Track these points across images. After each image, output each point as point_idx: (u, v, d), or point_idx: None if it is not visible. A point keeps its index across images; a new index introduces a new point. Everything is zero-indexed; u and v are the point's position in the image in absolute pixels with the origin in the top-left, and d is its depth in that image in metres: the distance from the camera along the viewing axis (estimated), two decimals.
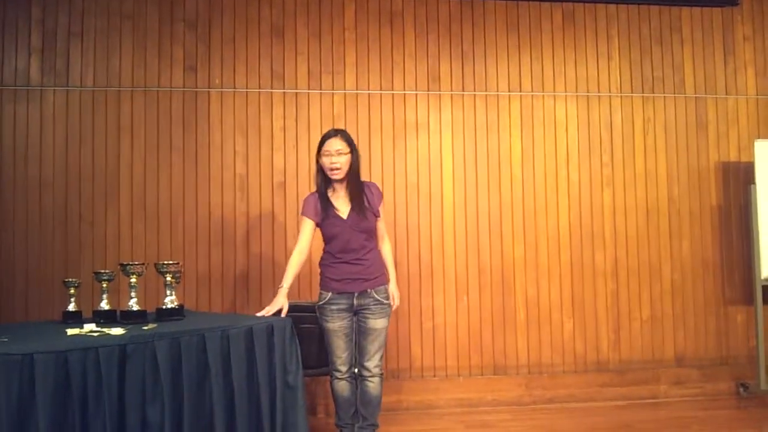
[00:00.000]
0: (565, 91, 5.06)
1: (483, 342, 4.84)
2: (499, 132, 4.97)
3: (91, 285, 3.92)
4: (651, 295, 5.02)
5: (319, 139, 4.73)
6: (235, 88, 4.78)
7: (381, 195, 3.64)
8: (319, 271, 3.62)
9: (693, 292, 5.05)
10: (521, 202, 4.95)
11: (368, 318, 3.49)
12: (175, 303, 3.35)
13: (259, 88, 4.80)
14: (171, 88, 4.72)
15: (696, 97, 5.17)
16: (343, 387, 3.54)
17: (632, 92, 5.12)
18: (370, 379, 3.52)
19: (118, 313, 3.34)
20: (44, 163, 4.58)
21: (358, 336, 3.54)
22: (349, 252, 3.47)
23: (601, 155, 5.05)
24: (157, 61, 4.72)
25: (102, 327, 3.01)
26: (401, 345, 4.77)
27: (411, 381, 4.75)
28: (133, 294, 3.26)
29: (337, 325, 3.48)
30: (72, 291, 3.46)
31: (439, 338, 4.81)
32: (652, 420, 4.40)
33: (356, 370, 3.57)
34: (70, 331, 2.90)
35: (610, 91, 5.10)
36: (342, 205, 3.51)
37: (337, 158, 3.45)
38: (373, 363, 3.51)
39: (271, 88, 4.81)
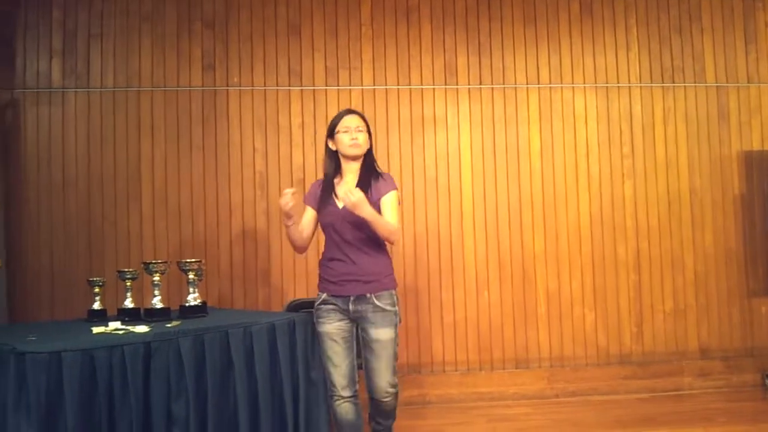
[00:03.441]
0: (584, 83, 5.03)
1: (504, 336, 4.83)
2: (518, 125, 4.95)
3: (115, 283, 3.97)
4: (674, 287, 4.97)
5: None
6: (253, 86, 4.81)
7: (392, 185, 3.12)
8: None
9: (716, 283, 5.00)
10: (541, 195, 4.92)
11: (369, 329, 3.02)
12: (198, 300, 3.38)
13: (277, 86, 4.82)
14: (190, 87, 4.76)
15: (717, 86, 5.11)
16: (346, 410, 3.06)
17: (652, 82, 5.07)
18: (382, 399, 3.06)
19: (142, 311, 3.38)
20: (67, 164, 4.64)
21: (363, 351, 3.07)
22: (343, 247, 3.06)
23: (621, 146, 5.01)
24: (176, 61, 4.76)
25: (127, 325, 3.05)
26: (422, 339, 4.78)
27: (433, 375, 4.75)
28: (156, 292, 3.30)
29: (333, 326, 3.06)
30: (97, 290, 3.51)
31: (460, 332, 4.81)
32: (676, 412, 4.37)
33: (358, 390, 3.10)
34: (96, 330, 2.95)
35: (629, 82, 5.06)
36: (345, 192, 3.04)
37: (357, 133, 3.10)
38: (384, 382, 3.02)
39: (289, 86, 4.83)
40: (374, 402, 3.09)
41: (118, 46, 4.73)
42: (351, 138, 3.09)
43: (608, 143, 5.00)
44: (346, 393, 3.04)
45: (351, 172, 3.15)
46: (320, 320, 3.09)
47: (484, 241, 4.87)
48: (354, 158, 3.13)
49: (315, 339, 3.23)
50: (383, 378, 3.02)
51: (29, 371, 2.42)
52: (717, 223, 5.04)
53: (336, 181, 3.17)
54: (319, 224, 3.20)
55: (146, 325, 3.02)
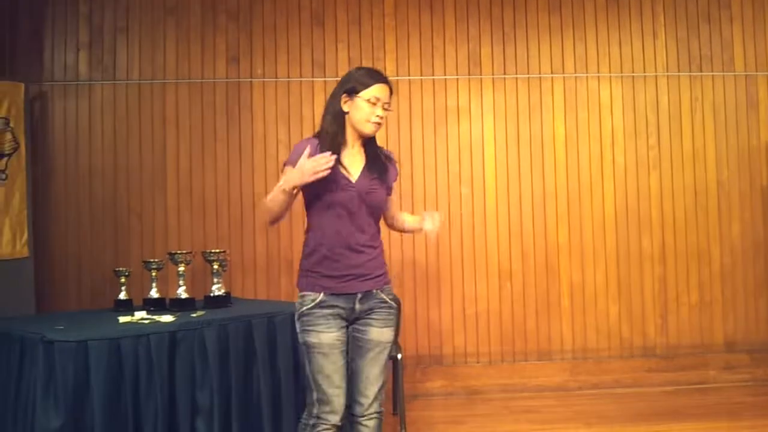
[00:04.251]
0: (610, 72, 4.96)
1: (527, 327, 4.82)
2: (542, 115, 4.91)
3: (140, 274, 4.02)
4: (699, 279, 4.91)
5: None
6: (276, 77, 4.82)
7: (396, 169, 2.70)
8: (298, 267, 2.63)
9: (743, 275, 4.93)
10: (565, 186, 4.89)
11: (371, 327, 2.49)
12: (222, 290, 3.42)
13: (301, 77, 4.83)
14: (214, 79, 4.79)
15: (746, 75, 5.02)
16: None
17: (679, 71, 5.00)
18: (364, 422, 2.43)
19: (167, 300, 3.43)
20: (93, 155, 4.70)
21: (354, 356, 2.51)
22: (353, 234, 2.48)
23: (647, 137, 4.95)
24: (201, 54, 4.79)
25: (152, 314, 3.10)
26: (445, 331, 4.78)
27: (455, 367, 4.76)
28: (181, 282, 3.35)
29: (333, 336, 2.44)
30: (123, 280, 3.57)
31: (482, 324, 4.80)
32: (701, 406, 4.33)
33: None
34: (122, 319, 3.00)
35: (656, 71, 4.99)
36: (352, 164, 2.53)
37: (384, 113, 2.52)
38: (370, 395, 2.43)
39: (313, 77, 4.84)
40: (354, 427, 2.48)
41: (144, 39, 4.77)
42: (376, 115, 2.49)
43: (634, 134, 4.94)
44: (339, 420, 2.43)
45: (356, 143, 2.56)
46: (315, 328, 2.44)
47: (508, 232, 4.85)
48: (365, 135, 2.55)
49: None
50: (371, 390, 2.44)
51: (57, 359, 2.48)
52: (744, 214, 4.96)
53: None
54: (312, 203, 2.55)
55: (171, 314, 3.06)
